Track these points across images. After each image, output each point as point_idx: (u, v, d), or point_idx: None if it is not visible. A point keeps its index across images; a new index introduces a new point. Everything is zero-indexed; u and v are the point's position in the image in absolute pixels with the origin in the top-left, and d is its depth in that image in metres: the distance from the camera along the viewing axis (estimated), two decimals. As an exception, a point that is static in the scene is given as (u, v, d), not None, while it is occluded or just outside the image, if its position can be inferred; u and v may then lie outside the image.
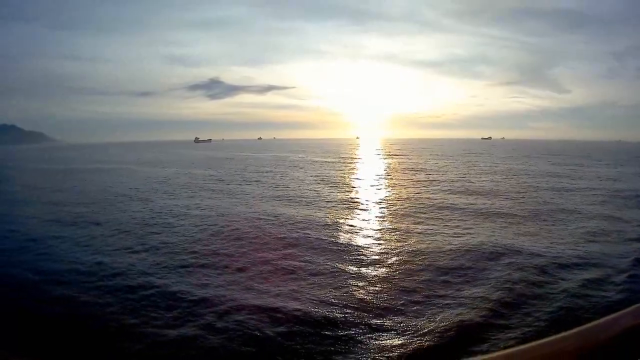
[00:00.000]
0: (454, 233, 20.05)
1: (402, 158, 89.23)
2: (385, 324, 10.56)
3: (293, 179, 47.80)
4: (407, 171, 57.12)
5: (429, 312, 10.93)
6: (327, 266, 15.29)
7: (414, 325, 10.34)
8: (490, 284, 13.05)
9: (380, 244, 18.63)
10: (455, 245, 17.64)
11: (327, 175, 52.43)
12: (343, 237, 19.94)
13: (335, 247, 17.97)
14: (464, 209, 26.50)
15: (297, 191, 36.62)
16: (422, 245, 17.54)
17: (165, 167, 73.99)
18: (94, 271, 14.94)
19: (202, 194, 36.54)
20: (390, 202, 30.40)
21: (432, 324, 10.29)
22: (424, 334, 9.85)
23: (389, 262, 15.60)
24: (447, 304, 11.57)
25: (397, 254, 16.60)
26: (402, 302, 11.74)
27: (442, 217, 24.11)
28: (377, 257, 16.32)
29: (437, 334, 9.84)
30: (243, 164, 77.02)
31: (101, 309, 12.55)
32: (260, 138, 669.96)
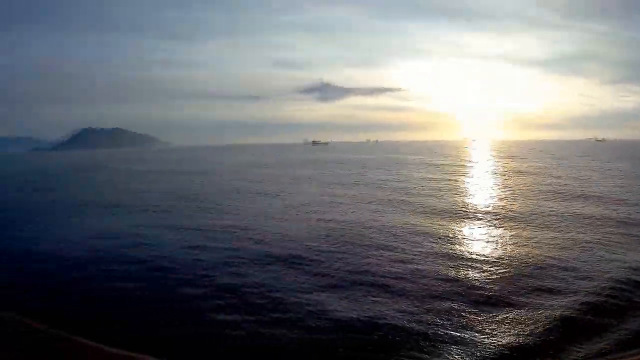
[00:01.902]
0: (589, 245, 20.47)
1: (522, 162, 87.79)
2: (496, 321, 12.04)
3: (413, 182, 49.73)
4: (529, 175, 57.17)
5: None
6: (435, 271, 16.65)
7: (524, 320, 11.99)
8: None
9: (498, 251, 19.79)
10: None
11: (448, 179, 53.63)
12: (464, 245, 21.06)
13: (450, 254, 19.28)
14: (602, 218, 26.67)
15: (415, 196, 38.16)
16: (542, 255, 18.40)
17: (296, 169, 79.87)
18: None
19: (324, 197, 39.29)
20: (515, 209, 30.97)
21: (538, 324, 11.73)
22: (529, 333, 11.24)
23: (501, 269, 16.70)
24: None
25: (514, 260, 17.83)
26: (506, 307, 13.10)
27: (573, 228, 24.28)
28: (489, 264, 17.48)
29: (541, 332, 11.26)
30: (360, 166, 79.61)
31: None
32: (369, 140, 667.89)
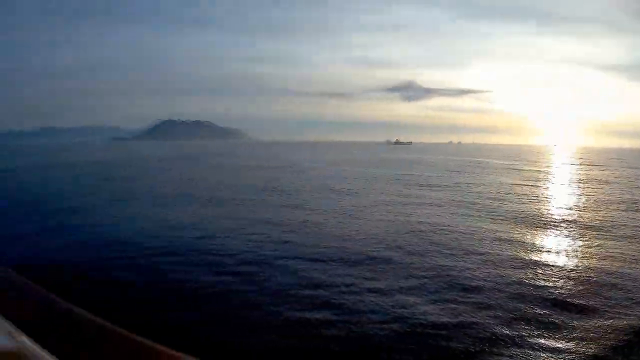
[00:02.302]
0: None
1: (603, 170, 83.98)
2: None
3: (495, 186, 49.11)
4: (610, 184, 54.96)
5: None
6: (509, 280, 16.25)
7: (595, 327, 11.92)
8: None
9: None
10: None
11: (531, 185, 52.45)
12: (546, 253, 20.73)
13: (533, 261, 18.88)
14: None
15: (498, 200, 37.52)
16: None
17: (378, 167, 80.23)
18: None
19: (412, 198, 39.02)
20: (598, 218, 30.09)
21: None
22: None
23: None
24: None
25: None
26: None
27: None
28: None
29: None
30: (443, 168, 78.77)
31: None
32: (451, 142, 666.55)
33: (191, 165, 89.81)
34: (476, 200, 36.86)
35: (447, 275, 16.46)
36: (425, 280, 15.96)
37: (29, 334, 1.29)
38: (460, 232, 24.21)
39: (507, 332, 11.57)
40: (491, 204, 35.52)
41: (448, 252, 20.20)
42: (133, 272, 17.33)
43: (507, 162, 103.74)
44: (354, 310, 13.13)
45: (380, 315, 12.68)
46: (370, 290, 14.79)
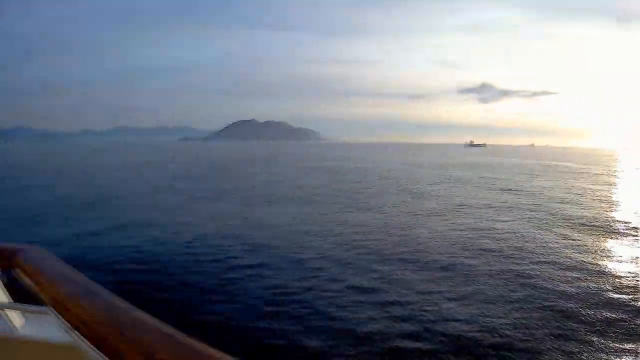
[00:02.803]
0: None
1: None
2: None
3: (573, 191, 48.60)
4: None
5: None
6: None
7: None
8: None
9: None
10: None
11: (608, 190, 51.72)
12: (628, 264, 20.11)
13: (615, 273, 18.35)
14: None
15: (575, 205, 37.17)
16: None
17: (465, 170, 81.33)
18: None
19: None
20: None
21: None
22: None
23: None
24: None
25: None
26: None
27: None
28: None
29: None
30: (517, 171, 78.71)
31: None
32: (526, 145, 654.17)
33: (273, 165, 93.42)
34: (554, 206, 35.84)
35: (521, 285, 16.24)
36: (508, 288, 15.75)
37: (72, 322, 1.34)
38: (541, 240, 23.77)
39: (597, 339, 11.36)
40: (569, 209, 34.24)
41: (529, 259, 20.03)
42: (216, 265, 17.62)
43: (579, 166, 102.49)
44: (436, 319, 12.96)
45: (463, 324, 12.51)
46: (450, 299, 14.61)
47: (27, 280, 1.53)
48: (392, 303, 14.57)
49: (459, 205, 35.81)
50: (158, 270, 17.72)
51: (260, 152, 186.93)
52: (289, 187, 48.97)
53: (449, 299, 14.40)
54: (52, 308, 1.42)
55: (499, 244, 22.78)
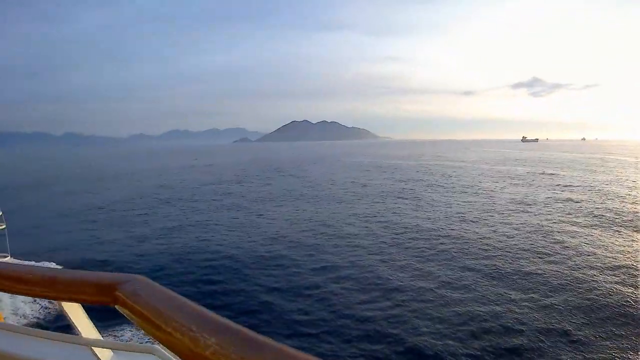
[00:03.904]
0: None
1: None
2: None
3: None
4: None
5: None
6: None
7: None
8: None
9: None
10: None
11: None
12: None
13: None
14: None
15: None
16: None
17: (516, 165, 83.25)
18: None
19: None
20: None
21: None
22: None
23: None
24: None
25: None
26: None
27: None
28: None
29: None
30: (567, 166, 79.99)
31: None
32: (584, 139, 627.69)
33: (338, 164, 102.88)
34: (611, 205, 36.17)
35: (598, 293, 17.18)
36: (571, 295, 17.10)
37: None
38: (601, 241, 23.49)
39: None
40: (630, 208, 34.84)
41: (589, 263, 19.62)
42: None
43: (633, 160, 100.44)
44: (504, 325, 14.73)
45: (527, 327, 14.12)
46: (510, 301, 16.52)
47: (132, 316, 1.40)
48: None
49: (521, 204, 37.10)
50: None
51: (324, 152, 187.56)
52: (354, 186, 50.81)
53: (511, 301, 16.59)
54: (160, 345, 1.41)
55: (559, 245, 23.17)
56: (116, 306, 1.50)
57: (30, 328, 2.04)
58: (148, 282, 1.49)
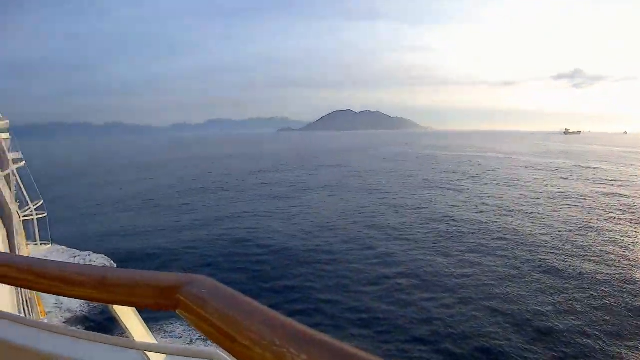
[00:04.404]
0: None
1: None
2: None
3: None
4: None
5: None
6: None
7: None
8: None
9: None
10: None
11: None
12: None
13: None
14: None
15: None
16: None
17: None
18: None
19: None
20: None
21: None
22: None
23: None
24: None
25: None
26: None
27: None
28: None
29: None
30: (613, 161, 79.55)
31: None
32: (626, 132, 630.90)
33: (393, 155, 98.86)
34: None
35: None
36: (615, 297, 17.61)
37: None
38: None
39: None
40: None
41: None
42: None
43: None
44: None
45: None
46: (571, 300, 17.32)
47: (198, 323, 1.25)
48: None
49: (569, 198, 37.10)
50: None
51: (368, 142, 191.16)
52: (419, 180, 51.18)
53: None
54: (223, 350, 1.21)
55: (606, 244, 23.49)
56: (177, 311, 1.34)
57: (78, 329, 1.95)
58: (214, 284, 1.33)
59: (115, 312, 1.68)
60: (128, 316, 1.72)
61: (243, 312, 1.14)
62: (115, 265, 26.45)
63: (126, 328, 1.71)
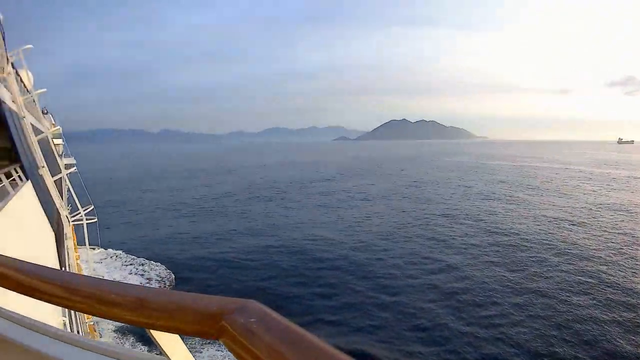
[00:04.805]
0: None
1: None
2: None
3: None
4: None
5: None
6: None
7: None
8: None
9: None
10: None
11: None
12: None
13: None
14: None
15: None
16: None
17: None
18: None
19: None
20: None
21: None
22: None
23: None
24: None
25: None
26: None
27: None
28: None
29: None
30: None
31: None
32: None
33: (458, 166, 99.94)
34: None
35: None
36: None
37: None
38: None
39: None
40: None
41: None
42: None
43: None
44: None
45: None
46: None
47: (244, 356, 1.01)
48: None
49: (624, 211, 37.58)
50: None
51: (424, 151, 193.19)
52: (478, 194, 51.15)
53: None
54: None
55: None
56: (221, 340, 1.18)
57: (115, 346, 1.71)
58: (264, 311, 1.16)
59: (153, 337, 1.47)
60: (168, 341, 1.50)
61: (296, 348, 0.97)
62: (171, 273, 26.24)
63: (164, 352, 1.51)
